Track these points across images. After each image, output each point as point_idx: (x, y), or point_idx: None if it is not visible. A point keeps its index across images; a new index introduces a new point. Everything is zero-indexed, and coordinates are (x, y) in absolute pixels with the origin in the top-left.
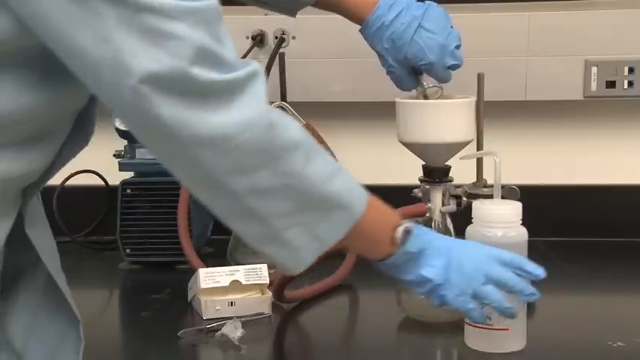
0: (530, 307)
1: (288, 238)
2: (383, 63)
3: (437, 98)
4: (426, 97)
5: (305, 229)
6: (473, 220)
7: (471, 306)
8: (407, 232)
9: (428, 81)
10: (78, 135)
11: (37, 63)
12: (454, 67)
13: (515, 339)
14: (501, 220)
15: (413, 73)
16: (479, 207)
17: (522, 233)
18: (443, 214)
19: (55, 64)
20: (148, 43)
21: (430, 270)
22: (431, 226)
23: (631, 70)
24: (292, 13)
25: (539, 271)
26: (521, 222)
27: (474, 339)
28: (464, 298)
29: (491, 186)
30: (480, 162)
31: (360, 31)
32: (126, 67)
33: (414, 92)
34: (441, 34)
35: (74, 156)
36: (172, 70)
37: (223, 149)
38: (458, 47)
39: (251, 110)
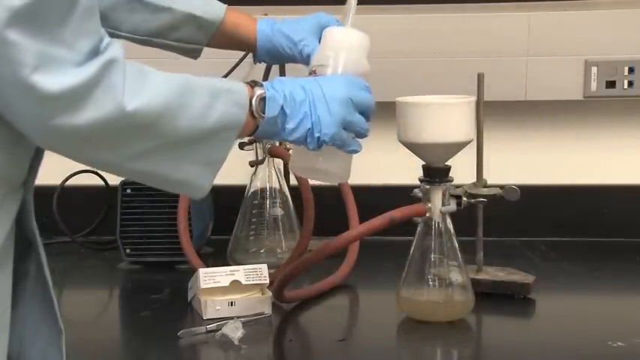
0: (530, 308)
1: (180, 177)
2: (290, 52)
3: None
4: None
5: (192, 161)
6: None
7: (345, 136)
8: (262, 100)
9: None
10: None
11: None
12: None
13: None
14: (345, 45)
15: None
16: (328, 31)
17: (363, 61)
18: (443, 214)
19: None
20: None
21: (294, 124)
22: (431, 226)
23: (631, 70)
24: (193, 54)
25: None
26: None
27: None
28: (338, 133)
29: (492, 186)
30: (480, 162)
31: (257, 54)
32: None
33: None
34: None
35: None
36: (11, 78)
37: (83, 142)
38: None
39: (104, 107)
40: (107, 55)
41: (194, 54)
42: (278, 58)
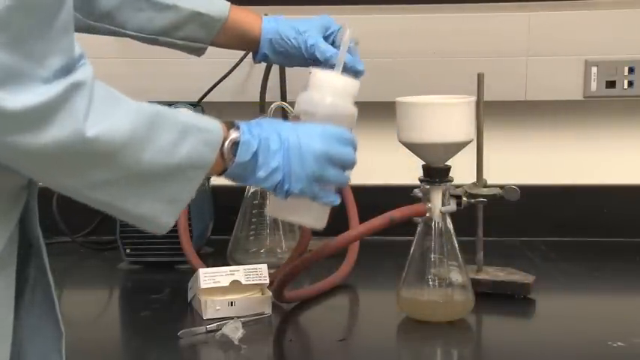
0: (530, 308)
1: (141, 213)
2: (295, 42)
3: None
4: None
5: (155, 198)
6: (308, 86)
7: (317, 190)
8: (235, 145)
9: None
10: None
11: None
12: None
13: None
14: (331, 89)
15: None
16: (315, 72)
17: (350, 107)
18: (443, 214)
19: None
20: None
21: (265, 173)
22: (431, 226)
23: (631, 70)
24: (197, 52)
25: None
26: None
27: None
28: (309, 187)
29: (492, 186)
30: (480, 162)
31: (259, 50)
32: None
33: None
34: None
35: None
36: None
37: (40, 164)
38: None
39: (63, 130)
40: (75, 76)
41: (198, 52)
42: (282, 54)
